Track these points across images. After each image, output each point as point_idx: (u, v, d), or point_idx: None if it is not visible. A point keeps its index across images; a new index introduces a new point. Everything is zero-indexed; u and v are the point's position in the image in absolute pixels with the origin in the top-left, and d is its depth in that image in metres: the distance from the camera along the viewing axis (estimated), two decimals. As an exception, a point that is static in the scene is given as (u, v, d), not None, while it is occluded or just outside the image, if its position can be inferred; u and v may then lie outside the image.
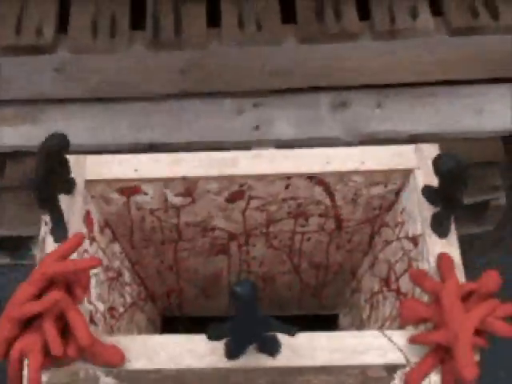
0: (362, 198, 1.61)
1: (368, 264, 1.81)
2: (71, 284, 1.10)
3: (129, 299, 1.75)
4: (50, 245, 1.35)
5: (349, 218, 1.65)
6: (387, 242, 1.67)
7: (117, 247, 1.72)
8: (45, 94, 1.65)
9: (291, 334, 1.05)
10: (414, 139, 1.63)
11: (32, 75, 1.58)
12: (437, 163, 1.10)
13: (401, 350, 1.12)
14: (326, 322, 2.12)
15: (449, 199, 1.19)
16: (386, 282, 1.64)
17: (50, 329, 1.01)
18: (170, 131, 1.72)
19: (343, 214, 1.63)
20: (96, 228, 1.56)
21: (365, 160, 1.54)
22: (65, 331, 1.07)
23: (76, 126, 1.70)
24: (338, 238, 1.71)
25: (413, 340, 1.08)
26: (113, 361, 1.08)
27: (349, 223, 1.68)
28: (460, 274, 1.17)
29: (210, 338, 1.13)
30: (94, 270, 1.48)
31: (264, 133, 1.72)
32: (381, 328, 1.58)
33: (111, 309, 1.58)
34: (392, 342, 1.14)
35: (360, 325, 1.82)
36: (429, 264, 1.26)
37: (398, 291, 1.54)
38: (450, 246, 1.23)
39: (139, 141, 1.78)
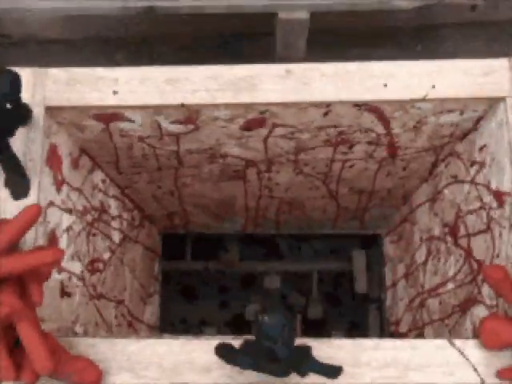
0: (428, 127, 1.47)
1: (426, 195, 1.73)
2: (25, 281, 1.01)
3: (117, 236, 1.72)
4: (8, 204, 1.24)
5: (407, 145, 1.54)
6: (456, 180, 1.57)
7: (99, 176, 1.64)
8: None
9: (333, 376, 1.02)
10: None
11: None
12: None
13: (475, 369, 1.04)
14: (366, 241, 2.23)
15: None
16: (451, 231, 1.57)
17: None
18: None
19: (400, 142, 1.53)
20: (66, 164, 1.44)
21: (436, 83, 1.36)
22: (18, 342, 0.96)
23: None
24: (389, 165, 1.64)
25: (502, 374, 0.98)
26: (86, 380, 1.03)
27: (406, 151, 1.57)
28: None
29: (221, 356, 1.09)
30: (65, 224, 1.41)
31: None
32: (441, 288, 1.56)
33: (92, 262, 1.55)
34: (464, 356, 1.05)
35: (412, 267, 1.81)
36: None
37: (468, 252, 1.47)
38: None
39: (132, 3, 1.64)
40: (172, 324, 2.49)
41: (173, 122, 1.42)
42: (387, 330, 2.05)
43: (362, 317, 2.38)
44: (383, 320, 2.14)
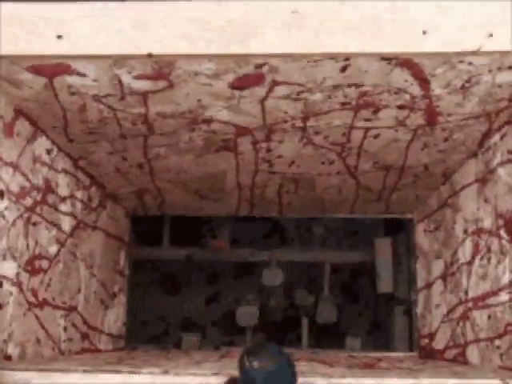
0: (480, 87, 1.36)
1: (474, 174, 1.64)
2: None
3: (68, 224, 1.64)
4: None
5: (450, 111, 1.44)
6: (518, 157, 1.46)
7: (43, 145, 1.53)
8: None
9: None
10: None
11: None
12: None
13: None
14: (392, 228, 2.25)
15: None
16: (507, 224, 1.48)
17: None
18: None
19: (441, 107, 1.43)
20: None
21: (495, 31, 1.23)
22: None
23: None
24: (426, 135, 1.55)
25: None
26: None
27: (449, 118, 1.47)
28: None
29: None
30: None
31: None
32: (491, 298, 1.51)
33: (33, 260, 1.47)
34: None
35: (453, 266, 1.75)
36: None
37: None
38: None
39: None
40: (145, 324, 2.65)
41: (138, 78, 1.32)
42: (417, 342, 2.02)
43: (385, 321, 2.41)
44: (412, 328, 2.11)
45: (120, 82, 1.33)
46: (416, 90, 1.36)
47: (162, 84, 1.35)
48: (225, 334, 2.67)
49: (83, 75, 1.32)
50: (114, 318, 1.93)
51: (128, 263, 2.09)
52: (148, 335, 2.61)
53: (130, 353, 1.86)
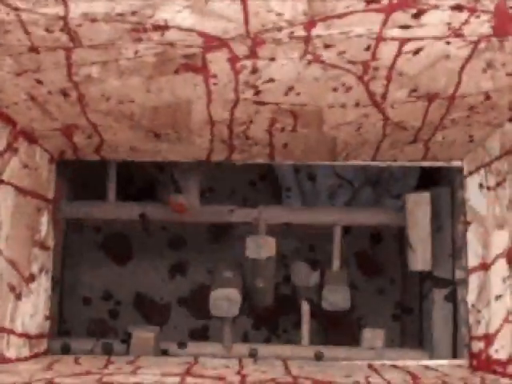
0: None
1: None
2: None
3: None
4: None
5: None
6: None
7: None
8: None
9: None
10: None
11: None
12: None
13: None
14: (431, 180, 2.24)
15: None
16: None
17: None
18: None
19: None
20: None
21: None
22: None
23: None
24: (492, 51, 1.48)
25: None
26: None
27: None
28: None
29: None
30: None
31: None
32: None
33: None
34: None
35: None
36: None
37: None
38: None
39: None
40: (85, 305, 2.62)
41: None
42: (466, 344, 1.97)
43: (418, 309, 2.41)
44: (458, 321, 2.07)
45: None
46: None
47: (88, -32, 1.25)
48: (195, 316, 2.65)
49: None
50: (32, 311, 1.87)
51: (54, 230, 2.02)
52: (90, 318, 2.61)
53: (50, 364, 1.78)
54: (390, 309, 2.61)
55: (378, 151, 1.98)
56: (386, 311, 2.60)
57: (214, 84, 1.61)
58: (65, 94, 1.66)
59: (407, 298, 2.58)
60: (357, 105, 1.71)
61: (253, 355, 2.12)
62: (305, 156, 2.02)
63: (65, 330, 2.54)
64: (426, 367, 1.87)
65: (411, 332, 2.52)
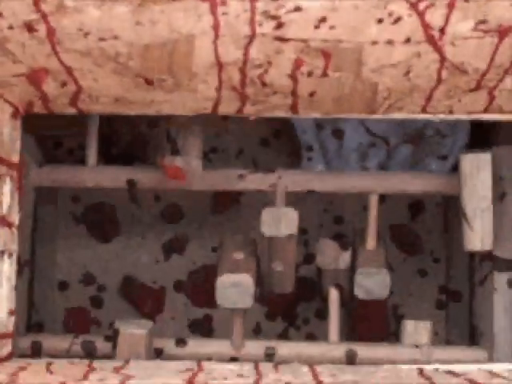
0: None
1: None
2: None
3: None
4: None
5: None
6: None
7: None
8: None
9: None
10: None
11: None
12: None
13: None
14: (495, 138, 2.21)
15: None
16: None
17: None
18: None
19: None
20: None
21: None
22: None
23: None
24: None
25: None
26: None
27: None
28: None
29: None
30: None
31: None
32: None
33: None
34: None
35: None
36: None
37: None
38: None
39: None
40: (62, 290, 2.66)
41: None
42: None
43: (472, 297, 2.43)
44: None
45: None
46: None
47: None
48: (196, 304, 2.64)
49: None
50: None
51: (20, 201, 1.98)
52: (67, 307, 2.61)
53: (14, 374, 1.73)
54: (433, 294, 2.59)
55: (430, 101, 1.89)
56: (428, 297, 2.59)
57: (224, 14, 1.53)
58: (30, 28, 1.57)
59: (454, 281, 2.55)
60: (407, 41, 1.62)
61: (269, 356, 2.07)
62: (336, 108, 1.95)
63: (36, 322, 2.53)
64: (491, 373, 1.78)
65: (459, 323, 2.52)
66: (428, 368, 1.85)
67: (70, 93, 1.89)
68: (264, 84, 1.83)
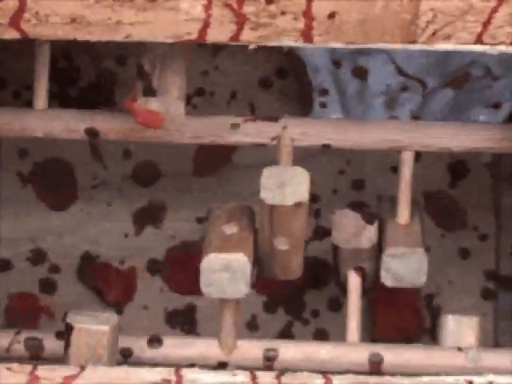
0: None
1: None
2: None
3: None
4: None
5: None
6: None
7: None
8: None
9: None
10: None
11: None
12: None
13: None
14: None
15: None
16: None
17: None
18: None
19: None
20: None
21: None
22: None
23: None
24: None
25: None
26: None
27: None
28: None
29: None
30: None
31: None
32: None
33: None
34: None
35: None
36: None
37: None
38: None
39: None
40: (6, 267, 2.63)
41: None
42: None
43: None
44: None
45: None
46: None
47: None
48: (175, 289, 2.58)
49: None
50: None
51: None
52: (10, 292, 2.54)
53: None
54: (478, 281, 2.53)
55: (487, 28, 1.76)
56: (472, 285, 2.53)
57: None
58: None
59: (506, 265, 2.50)
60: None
61: (269, 360, 1.98)
62: (363, 35, 1.81)
63: (-29, 311, 2.45)
64: None
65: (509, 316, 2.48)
66: (479, 381, 1.77)
67: (10, 11, 1.78)
68: (268, 0, 1.75)
